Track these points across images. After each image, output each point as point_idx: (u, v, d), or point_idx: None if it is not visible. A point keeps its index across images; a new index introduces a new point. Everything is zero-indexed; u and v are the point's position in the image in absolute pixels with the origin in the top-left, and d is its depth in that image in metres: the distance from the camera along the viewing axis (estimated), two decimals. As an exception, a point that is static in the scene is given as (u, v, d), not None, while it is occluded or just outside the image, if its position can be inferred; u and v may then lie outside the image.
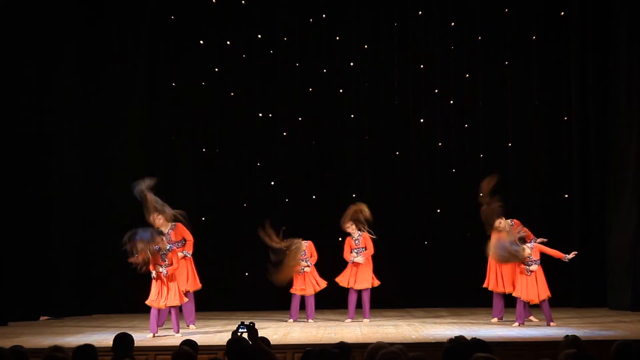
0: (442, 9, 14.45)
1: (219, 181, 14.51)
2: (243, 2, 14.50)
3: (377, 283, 12.27)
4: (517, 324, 11.15)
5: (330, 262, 12.57)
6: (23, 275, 12.85)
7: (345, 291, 12.35)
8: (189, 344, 6.34)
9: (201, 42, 14.46)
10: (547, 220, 13.56)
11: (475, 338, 6.35)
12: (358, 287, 12.21)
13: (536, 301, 11.19)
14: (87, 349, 6.01)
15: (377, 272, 12.31)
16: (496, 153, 14.33)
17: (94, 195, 13.97)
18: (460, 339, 6.29)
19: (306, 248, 12.35)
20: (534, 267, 11.15)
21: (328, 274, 12.48)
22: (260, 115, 14.53)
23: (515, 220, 11.90)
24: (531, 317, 11.68)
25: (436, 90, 14.46)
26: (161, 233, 10.72)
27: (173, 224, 11.33)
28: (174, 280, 10.62)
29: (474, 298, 13.19)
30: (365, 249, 12.22)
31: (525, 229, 11.72)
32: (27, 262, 12.90)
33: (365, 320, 12.08)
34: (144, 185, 11.08)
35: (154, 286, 10.53)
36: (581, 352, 5.51)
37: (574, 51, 13.88)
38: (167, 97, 14.45)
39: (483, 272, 12.11)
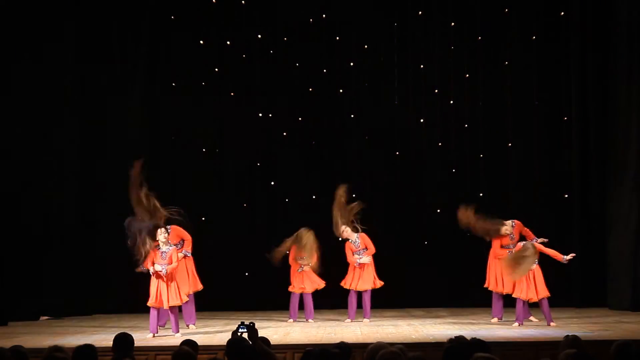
0: (442, 9, 14.46)
1: (219, 181, 14.51)
2: (243, 2, 14.50)
3: (379, 284, 12.26)
4: (517, 324, 11.15)
5: (330, 263, 12.56)
6: (23, 275, 12.85)
7: (345, 291, 12.34)
8: (189, 344, 6.34)
9: (201, 42, 14.46)
10: (547, 220, 13.55)
11: (475, 338, 6.35)
12: (360, 288, 12.21)
13: (535, 299, 11.19)
14: (87, 349, 6.01)
15: (377, 271, 12.30)
16: (496, 153, 14.33)
17: (94, 195, 13.96)
18: (460, 339, 6.29)
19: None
20: (532, 266, 11.14)
21: (328, 274, 12.48)
22: (260, 115, 14.54)
23: (516, 220, 11.89)
24: (531, 317, 11.68)
25: (436, 90, 14.46)
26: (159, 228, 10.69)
27: (168, 227, 11.27)
28: (174, 279, 10.62)
29: (474, 298, 13.20)
30: (367, 249, 12.22)
31: (525, 229, 11.74)
32: (27, 263, 12.90)
33: (365, 320, 12.08)
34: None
35: (153, 286, 10.52)
36: (581, 352, 5.51)
37: (574, 51, 13.88)
38: (167, 97, 14.45)
39: (483, 272, 12.11)
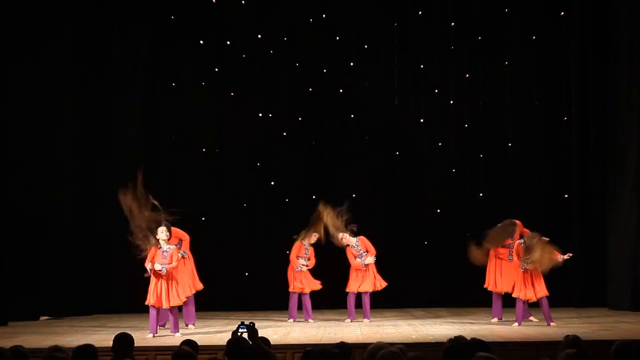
0: (442, 9, 14.46)
1: (219, 181, 14.51)
2: (243, 2, 14.50)
3: (380, 286, 12.24)
4: (517, 324, 11.15)
5: (330, 263, 12.55)
6: (23, 275, 12.85)
7: (345, 292, 12.33)
8: (189, 344, 6.34)
9: (201, 42, 14.46)
10: (547, 220, 13.55)
11: (475, 338, 6.35)
12: (361, 290, 12.20)
13: (534, 299, 11.19)
14: (87, 349, 6.01)
15: (378, 272, 12.29)
16: (496, 153, 14.33)
17: (94, 195, 13.96)
18: (460, 339, 6.29)
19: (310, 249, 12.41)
20: (530, 265, 11.14)
21: (328, 274, 12.47)
22: (260, 115, 14.54)
23: (517, 221, 11.89)
24: (531, 317, 11.68)
25: (436, 90, 14.46)
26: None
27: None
28: (174, 279, 10.62)
29: (474, 298, 13.19)
30: (367, 252, 12.22)
31: (525, 229, 11.73)
32: (27, 262, 12.90)
33: (365, 320, 12.07)
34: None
35: (153, 285, 10.52)
36: (581, 352, 5.51)
37: (574, 51, 13.88)
38: (167, 97, 14.45)
39: (483, 272, 12.11)
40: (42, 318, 13.24)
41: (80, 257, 13.74)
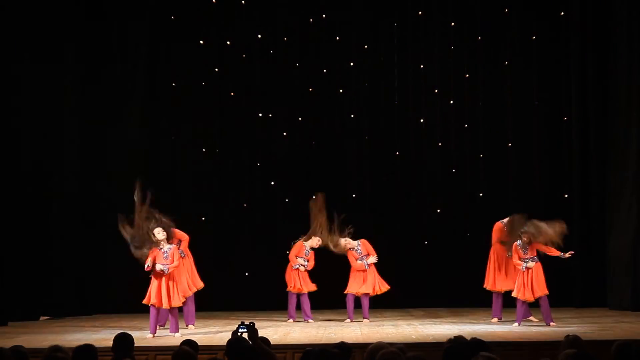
0: (442, 9, 14.46)
1: (219, 181, 14.51)
2: (243, 2, 14.51)
3: (380, 290, 12.22)
4: (517, 324, 11.15)
5: (330, 263, 12.54)
6: (23, 275, 12.85)
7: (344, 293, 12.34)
8: (189, 344, 6.34)
9: (201, 42, 14.46)
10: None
11: (475, 338, 6.35)
12: (361, 292, 12.19)
13: (531, 299, 11.19)
14: (87, 349, 6.01)
15: (378, 272, 12.29)
16: (496, 153, 14.33)
17: (94, 195, 13.96)
18: (460, 339, 6.29)
19: (308, 249, 12.41)
20: (530, 264, 11.15)
21: (328, 274, 12.47)
22: (260, 115, 14.54)
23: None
24: (531, 317, 11.68)
25: (436, 90, 14.47)
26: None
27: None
28: (174, 280, 10.62)
29: (474, 298, 13.18)
30: (368, 255, 12.22)
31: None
32: (27, 262, 12.90)
33: (365, 320, 12.08)
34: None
35: (154, 286, 10.52)
36: (581, 352, 5.51)
37: (574, 51, 13.89)
38: (167, 97, 14.46)
39: (483, 272, 12.11)
40: (42, 318, 13.24)
41: (81, 257, 13.75)
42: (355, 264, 12.19)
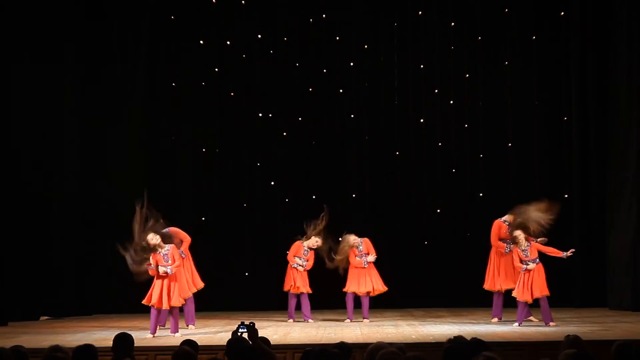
0: (442, 9, 14.46)
1: (219, 181, 14.51)
2: (243, 2, 14.51)
3: (378, 291, 12.23)
4: (517, 324, 11.15)
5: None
6: (23, 275, 12.85)
7: (343, 292, 12.33)
8: (189, 344, 6.34)
9: (201, 42, 14.46)
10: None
11: (475, 338, 6.35)
12: (360, 291, 12.20)
13: (530, 300, 11.18)
14: (87, 348, 6.01)
15: (379, 275, 12.30)
16: (496, 153, 14.33)
17: (94, 195, 13.96)
18: (460, 339, 6.29)
19: (307, 249, 12.40)
20: (531, 265, 11.14)
21: (328, 274, 12.46)
22: (260, 115, 14.54)
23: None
24: (531, 317, 11.67)
25: (436, 90, 14.47)
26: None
27: (166, 230, 11.31)
28: (176, 280, 10.63)
29: (474, 298, 13.19)
30: (368, 254, 12.22)
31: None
32: (27, 262, 12.90)
33: (365, 320, 12.08)
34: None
35: (157, 286, 10.52)
36: (581, 352, 5.51)
37: (574, 51, 13.88)
38: (167, 97, 14.46)
39: (483, 272, 12.11)
40: (42, 318, 13.24)
41: (81, 257, 13.76)
42: (354, 260, 12.19)
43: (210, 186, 14.48)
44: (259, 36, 14.54)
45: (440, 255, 14.15)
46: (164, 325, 11.05)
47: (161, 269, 10.44)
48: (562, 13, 14.09)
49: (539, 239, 11.50)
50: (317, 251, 12.39)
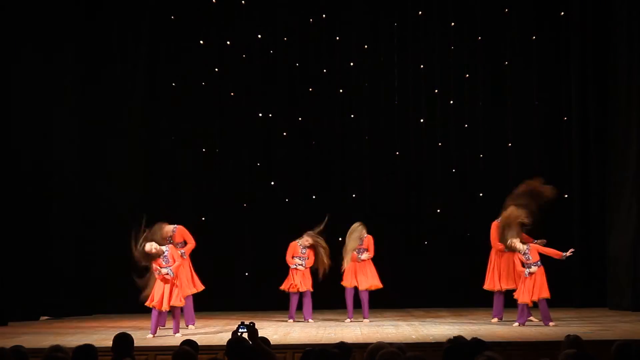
0: (442, 9, 14.46)
1: (219, 181, 14.51)
2: (243, 2, 14.51)
3: (373, 287, 12.22)
4: (517, 324, 11.15)
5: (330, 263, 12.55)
6: (23, 275, 12.85)
7: (344, 291, 12.33)
8: (189, 344, 6.34)
9: (201, 42, 14.46)
10: (547, 220, 13.53)
11: (475, 338, 6.35)
12: (361, 287, 12.20)
13: (530, 303, 11.17)
14: (87, 349, 6.01)
15: (377, 272, 12.29)
16: (496, 153, 14.33)
17: (94, 195, 13.96)
18: (459, 339, 6.29)
19: (307, 249, 12.40)
20: (533, 268, 11.12)
21: (329, 274, 12.46)
22: (260, 115, 14.54)
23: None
24: (531, 317, 11.66)
25: (436, 90, 14.46)
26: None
27: (174, 226, 11.34)
28: (178, 279, 10.65)
29: (474, 298, 13.19)
30: (367, 250, 12.23)
31: (522, 233, 11.73)
32: (27, 262, 12.90)
33: (365, 320, 12.08)
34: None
35: (158, 287, 10.51)
36: (581, 352, 5.51)
37: (574, 51, 13.89)
38: (167, 97, 14.46)
39: (483, 272, 12.11)
40: (42, 318, 13.24)
41: (80, 256, 13.75)
42: (352, 253, 12.21)
43: (210, 186, 14.48)
44: (259, 36, 14.54)
45: (440, 255, 14.15)
46: (163, 326, 11.05)
47: (163, 271, 10.44)
48: (562, 13, 14.09)
49: (538, 241, 11.51)
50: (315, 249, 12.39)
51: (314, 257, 12.32)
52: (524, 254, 11.14)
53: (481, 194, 14.31)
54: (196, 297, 11.68)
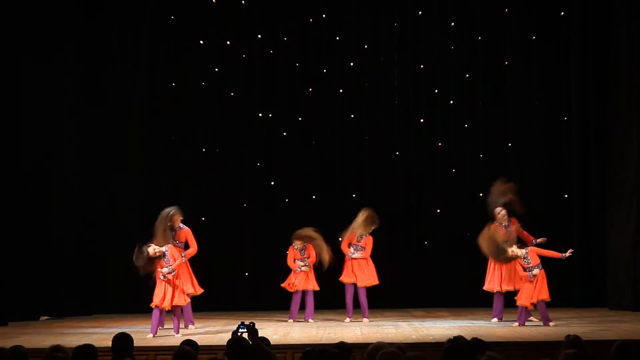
0: (442, 9, 14.45)
1: (219, 181, 14.51)
2: (243, 2, 14.50)
3: (370, 283, 12.22)
4: (517, 324, 11.15)
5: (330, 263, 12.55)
6: (23, 275, 12.85)
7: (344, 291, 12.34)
8: (189, 344, 6.34)
9: (201, 42, 14.46)
10: (547, 220, 13.55)
11: (475, 338, 6.36)
12: (360, 283, 12.21)
13: (530, 306, 11.16)
14: (87, 349, 6.02)
15: (377, 272, 12.29)
16: (496, 153, 14.33)
17: (94, 195, 13.96)
18: (460, 339, 6.29)
19: (305, 248, 12.41)
20: (535, 271, 11.10)
21: (328, 274, 12.47)
22: (260, 115, 14.54)
23: (513, 218, 11.92)
24: (531, 318, 11.66)
25: (436, 90, 14.46)
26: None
27: (180, 226, 11.35)
28: (179, 278, 10.66)
29: (474, 298, 13.19)
30: (364, 249, 12.23)
31: (524, 232, 11.73)
32: (27, 262, 12.90)
33: (365, 320, 12.08)
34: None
35: (160, 287, 10.51)
36: (581, 352, 5.51)
37: (574, 51, 13.88)
38: (167, 97, 14.45)
39: (483, 272, 12.11)
40: (42, 318, 13.24)
41: (80, 256, 13.75)
42: (345, 248, 12.21)
43: (210, 186, 14.47)
44: (259, 36, 14.54)
45: (440, 255, 14.15)
46: (162, 326, 11.05)
47: (164, 270, 10.44)
48: (562, 13, 14.09)
49: (538, 239, 11.52)
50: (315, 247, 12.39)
51: (315, 252, 12.32)
52: (524, 258, 11.12)
53: (481, 194, 14.28)
54: (196, 296, 11.68)
